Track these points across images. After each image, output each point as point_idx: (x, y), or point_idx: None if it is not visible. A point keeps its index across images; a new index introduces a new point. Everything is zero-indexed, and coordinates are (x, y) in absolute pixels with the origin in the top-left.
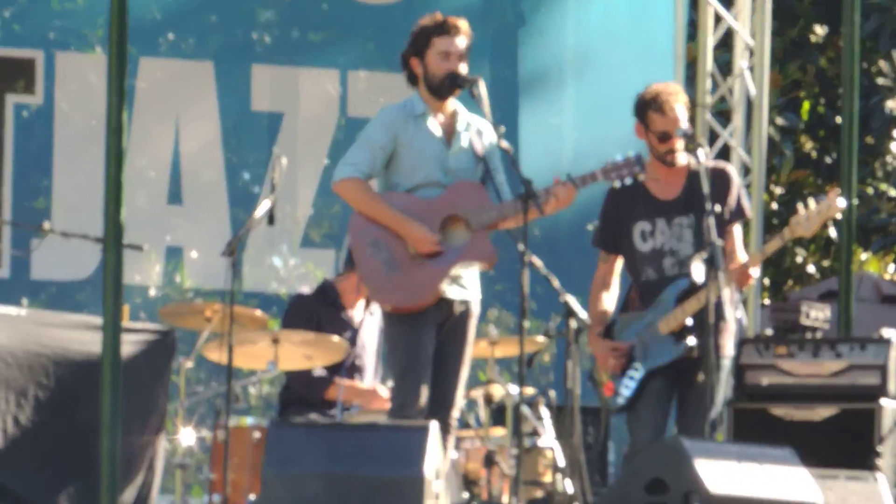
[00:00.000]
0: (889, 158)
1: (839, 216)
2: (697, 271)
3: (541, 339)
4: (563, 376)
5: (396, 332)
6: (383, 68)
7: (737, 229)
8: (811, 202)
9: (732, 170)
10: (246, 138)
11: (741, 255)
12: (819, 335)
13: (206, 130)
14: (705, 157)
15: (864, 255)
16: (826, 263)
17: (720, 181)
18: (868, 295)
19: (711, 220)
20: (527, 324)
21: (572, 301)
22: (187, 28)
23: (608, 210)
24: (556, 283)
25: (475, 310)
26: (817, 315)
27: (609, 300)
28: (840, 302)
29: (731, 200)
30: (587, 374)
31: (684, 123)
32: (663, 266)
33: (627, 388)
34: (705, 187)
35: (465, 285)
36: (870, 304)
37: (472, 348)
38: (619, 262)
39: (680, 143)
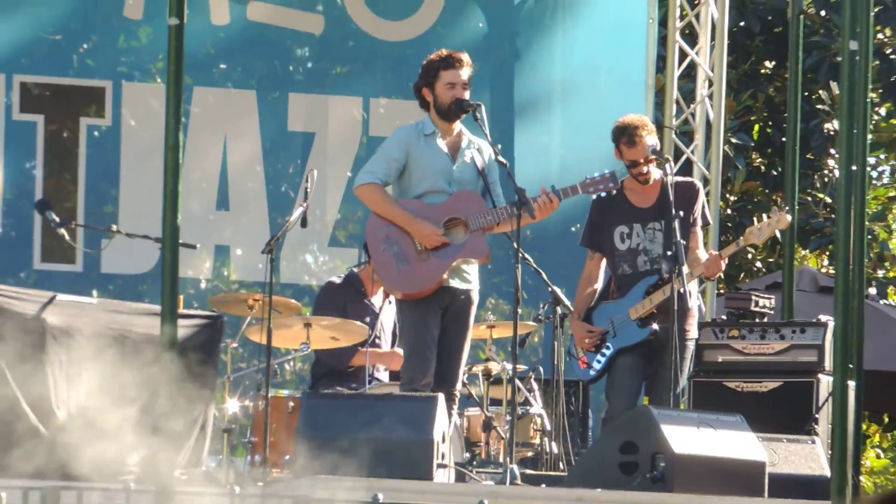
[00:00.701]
0: (826, 172)
1: (785, 228)
2: (665, 268)
3: (531, 323)
4: (551, 354)
5: (406, 316)
6: (400, 96)
7: (699, 232)
8: (764, 217)
9: (699, 184)
10: (283, 154)
11: (701, 253)
12: (766, 320)
13: (249, 148)
14: (671, 170)
15: (803, 253)
16: (772, 259)
17: (688, 192)
18: (807, 286)
19: (677, 224)
20: (519, 310)
21: (558, 292)
22: (235, 61)
23: (593, 216)
24: (544, 276)
25: (475, 298)
26: (765, 303)
27: (591, 292)
28: (784, 292)
29: (697, 209)
30: (567, 350)
31: (649, 150)
32: (637, 263)
33: (598, 362)
34: (671, 195)
35: (466, 277)
36: (809, 294)
37: (473, 331)
38: (604, 261)
39: (650, 167)
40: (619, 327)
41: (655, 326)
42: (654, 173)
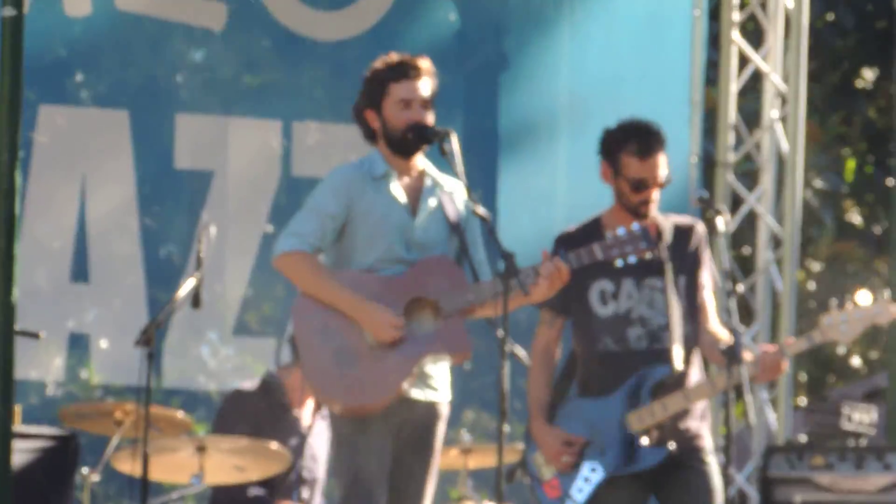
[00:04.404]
0: None
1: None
2: (676, 355)
3: (524, 446)
4: None
5: (346, 437)
6: (336, 119)
7: (708, 297)
8: (856, 301)
9: (702, 226)
10: (167, 203)
11: (720, 332)
12: (864, 442)
13: (119, 192)
14: (725, 226)
15: None
16: (874, 355)
17: (692, 240)
18: None
19: (733, 303)
20: (507, 428)
21: None
22: (98, 69)
23: None
24: None
25: (444, 412)
26: (862, 418)
27: (550, 374)
28: (889, 402)
29: (704, 263)
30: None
31: (664, 172)
32: (627, 336)
33: (581, 492)
34: (725, 261)
35: (433, 384)
36: None
37: (440, 458)
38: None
39: (657, 194)
40: (607, 440)
41: (672, 446)
42: (654, 210)
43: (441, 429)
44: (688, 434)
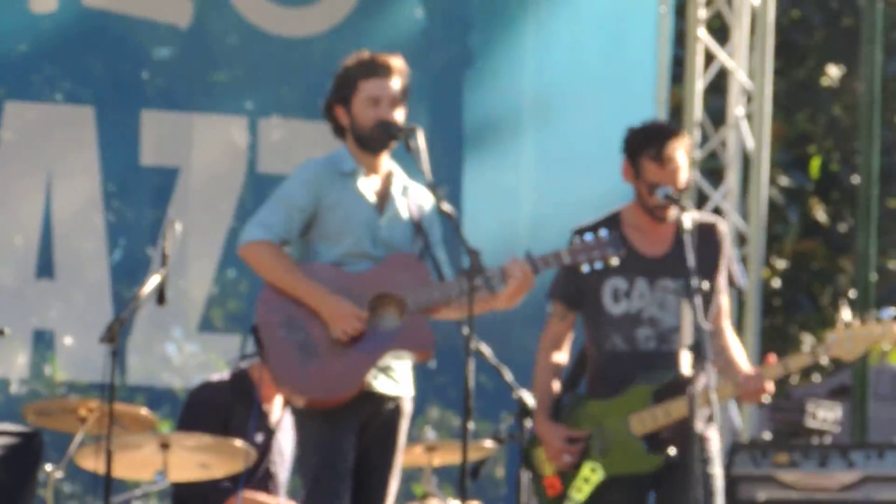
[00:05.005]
0: None
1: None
2: (684, 361)
3: (489, 444)
4: (517, 490)
5: (310, 432)
6: (302, 115)
7: (726, 301)
8: (866, 322)
9: (725, 227)
10: (132, 199)
11: (731, 339)
12: (828, 440)
13: (83, 189)
14: (691, 223)
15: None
16: None
17: (711, 240)
18: (887, 391)
19: (698, 300)
20: (472, 425)
21: (528, 398)
22: (64, 65)
23: None
24: (508, 376)
25: (407, 408)
26: (826, 416)
27: (559, 369)
28: (854, 400)
29: (723, 265)
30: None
31: (684, 175)
32: (636, 336)
33: (580, 491)
34: (690, 259)
35: (396, 378)
36: (890, 403)
37: (404, 455)
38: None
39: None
40: (609, 441)
41: (672, 451)
42: (672, 212)
43: (405, 425)
44: (692, 436)
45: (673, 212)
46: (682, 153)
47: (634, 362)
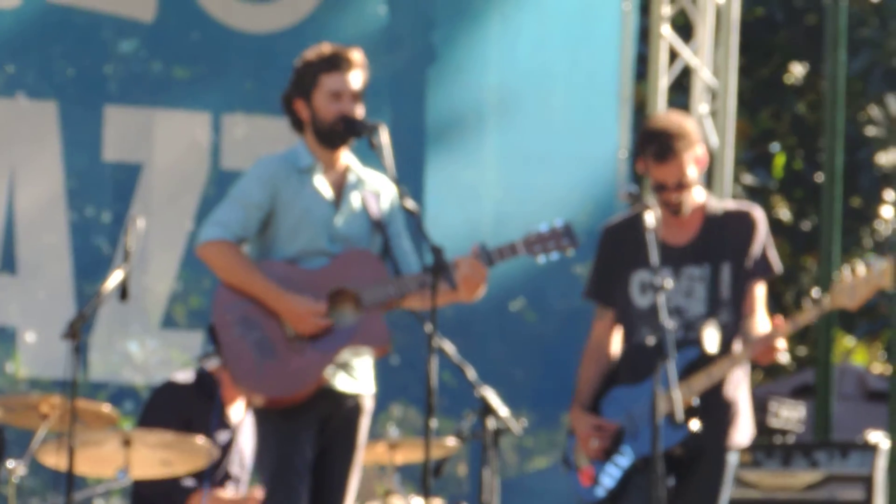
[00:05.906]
0: (878, 225)
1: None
2: (710, 339)
3: (452, 442)
4: (479, 488)
5: (268, 430)
6: (265, 111)
7: (759, 289)
8: (859, 267)
9: (760, 213)
10: (94, 195)
11: (761, 322)
12: (791, 439)
13: (45, 185)
14: (655, 221)
15: (847, 343)
16: (802, 351)
17: (742, 227)
18: (851, 390)
19: (662, 298)
20: (434, 423)
21: (491, 395)
22: (25, 60)
23: (603, 253)
24: (470, 373)
25: (368, 405)
26: (789, 415)
27: (601, 368)
28: (817, 399)
29: (755, 251)
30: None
31: (692, 173)
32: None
33: (611, 476)
34: (653, 256)
35: (355, 375)
36: (853, 402)
37: (367, 452)
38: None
39: (686, 194)
40: (641, 424)
41: (695, 426)
42: (693, 199)
43: (365, 422)
44: (717, 426)
45: (692, 200)
46: (690, 153)
47: (661, 352)
